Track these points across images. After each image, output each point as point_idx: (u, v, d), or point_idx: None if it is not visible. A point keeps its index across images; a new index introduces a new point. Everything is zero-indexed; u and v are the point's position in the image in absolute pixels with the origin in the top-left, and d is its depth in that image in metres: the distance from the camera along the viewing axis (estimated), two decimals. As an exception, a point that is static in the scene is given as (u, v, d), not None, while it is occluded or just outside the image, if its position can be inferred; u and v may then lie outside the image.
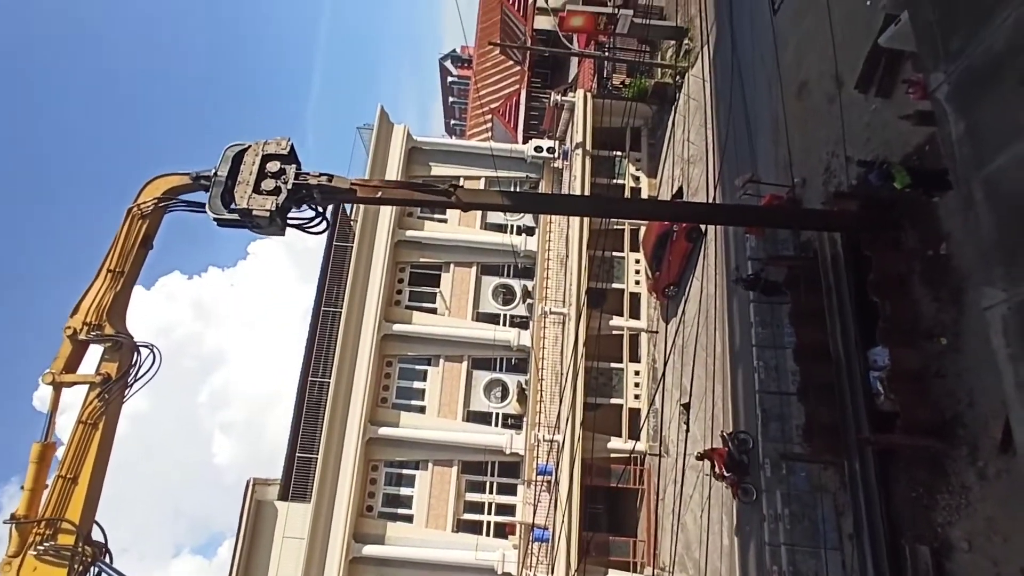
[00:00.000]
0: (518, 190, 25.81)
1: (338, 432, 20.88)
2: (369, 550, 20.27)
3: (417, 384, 22.70)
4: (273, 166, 8.12)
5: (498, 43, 32.68)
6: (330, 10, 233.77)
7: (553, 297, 22.17)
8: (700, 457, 14.43)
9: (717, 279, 16.46)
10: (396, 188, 9.55)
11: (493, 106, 34.64)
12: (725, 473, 13.62)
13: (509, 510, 21.25)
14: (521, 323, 23.43)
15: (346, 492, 20.34)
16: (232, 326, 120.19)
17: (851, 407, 10.03)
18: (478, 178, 25.38)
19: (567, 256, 22.22)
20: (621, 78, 25.77)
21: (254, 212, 7.85)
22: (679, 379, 17.96)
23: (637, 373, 21.82)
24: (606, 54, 25.91)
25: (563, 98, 25.05)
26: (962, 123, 4.83)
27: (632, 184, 23.94)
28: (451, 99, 65.17)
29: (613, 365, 21.90)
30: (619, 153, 24.45)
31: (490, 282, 24.04)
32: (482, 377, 22.71)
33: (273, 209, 7.86)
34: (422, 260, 24.09)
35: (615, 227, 22.29)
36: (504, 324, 23.40)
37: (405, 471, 21.76)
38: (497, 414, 22.36)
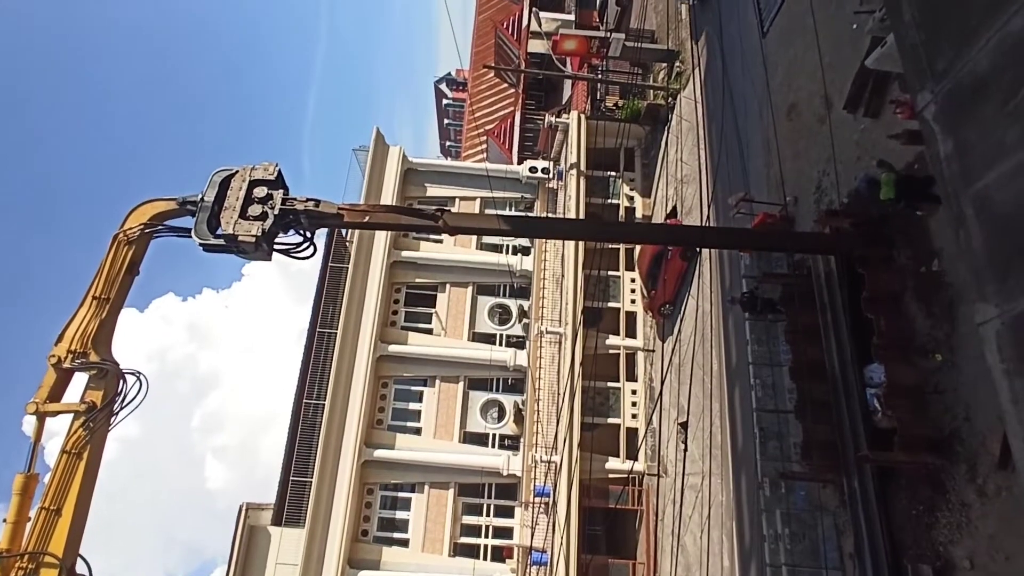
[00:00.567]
0: (513, 210, 25.94)
1: (333, 455, 20.63)
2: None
3: (413, 405, 22.51)
4: (260, 191, 8.11)
5: (493, 66, 33.10)
6: (326, 34, 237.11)
7: (549, 316, 22.13)
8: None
9: (712, 297, 16.47)
10: (384, 212, 9.56)
11: (488, 127, 34.96)
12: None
13: (507, 533, 20.94)
14: (517, 343, 23.34)
15: (341, 516, 20.03)
16: (226, 348, 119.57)
17: (849, 424, 9.97)
18: (473, 198, 25.52)
19: (563, 275, 22.23)
20: (614, 100, 26.06)
21: (240, 238, 7.83)
22: (676, 398, 17.85)
23: (634, 392, 21.69)
24: (599, 76, 26.26)
25: (557, 119, 25.33)
26: (950, 141, 4.88)
27: (627, 203, 24.07)
28: (446, 121, 65.84)
29: (610, 384, 21.78)
30: (613, 173, 24.63)
31: (486, 302, 24.01)
32: (478, 398, 22.55)
33: (259, 235, 7.85)
34: (418, 280, 24.06)
35: (610, 246, 22.36)
36: (500, 344, 23.30)
37: (401, 494, 21.47)
38: (494, 435, 22.16)
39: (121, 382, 8.20)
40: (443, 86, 64.58)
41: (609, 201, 24.37)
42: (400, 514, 21.26)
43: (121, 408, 8.15)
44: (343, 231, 24.42)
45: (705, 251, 17.77)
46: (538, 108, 34.64)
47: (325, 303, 22.84)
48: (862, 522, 9.58)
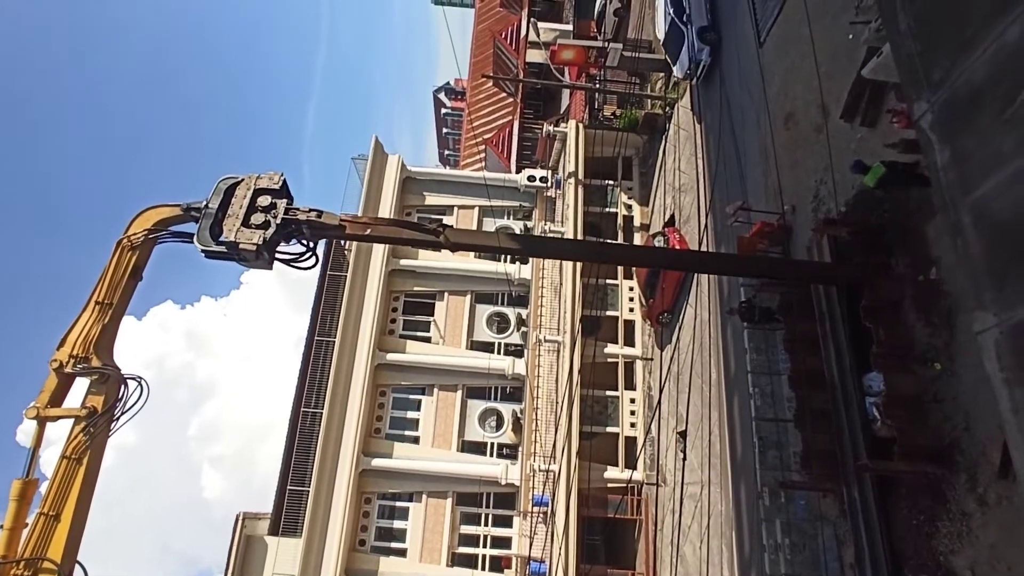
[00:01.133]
0: (511, 219, 26.02)
1: (330, 464, 20.52)
2: (361, 586, 19.76)
3: (411, 414, 22.43)
4: (264, 200, 8.13)
5: (491, 75, 33.32)
6: (327, 43, 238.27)
7: (547, 325, 22.11)
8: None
9: (711, 306, 16.49)
10: (385, 226, 9.55)
11: (487, 136, 35.10)
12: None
13: (505, 543, 20.81)
14: (516, 351, 23.31)
15: (338, 526, 19.89)
16: (224, 356, 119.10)
17: (848, 433, 9.95)
18: (472, 207, 25.57)
19: (561, 284, 22.25)
20: (612, 109, 26.23)
21: (241, 245, 7.84)
22: (675, 407, 17.82)
23: (633, 401, 21.66)
24: (597, 86, 26.42)
25: (555, 129, 25.48)
26: (947, 151, 4.92)
27: (624, 212, 24.16)
28: (445, 130, 66.09)
29: (608, 393, 21.74)
30: (611, 182, 24.72)
31: (484, 310, 23.99)
32: (477, 406, 22.48)
33: (260, 243, 7.85)
34: (416, 289, 24.05)
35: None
36: (499, 352, 23.27)
37: (399, 503, 21.34)
38: (492, 444, 22.07)
39: (122, 387, 8.19)
40: (442, 95, 64.87)
41: (607, 210, 24.44)
42: (398, 524, 21.12)
43: (122, 413, 8.13)
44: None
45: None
46: (536, 117, 34.86)
47: (323, 311, 22.80)
48: (862, 532, 9.54)
